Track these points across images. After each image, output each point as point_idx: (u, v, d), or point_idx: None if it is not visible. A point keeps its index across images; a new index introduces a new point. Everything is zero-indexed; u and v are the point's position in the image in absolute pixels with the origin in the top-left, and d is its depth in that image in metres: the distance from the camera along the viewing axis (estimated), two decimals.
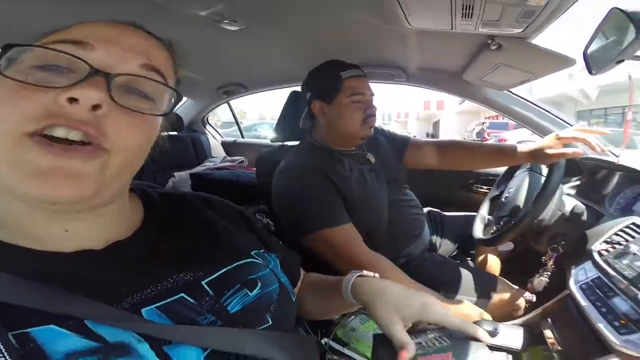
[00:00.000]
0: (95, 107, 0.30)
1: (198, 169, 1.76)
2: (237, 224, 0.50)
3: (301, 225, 0.89)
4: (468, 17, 0.69)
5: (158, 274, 0.36)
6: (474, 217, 1.17)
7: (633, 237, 0.75)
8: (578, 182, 1.22)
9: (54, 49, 0.31)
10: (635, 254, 0.70)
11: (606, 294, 0.72)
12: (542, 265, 0.98)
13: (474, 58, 1.00)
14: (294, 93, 1.29)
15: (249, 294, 0.41)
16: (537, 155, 0.98)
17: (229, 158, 2.02)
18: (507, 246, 1.43)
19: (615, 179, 1.08)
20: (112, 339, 0.29)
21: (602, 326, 0.66)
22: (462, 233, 1.26)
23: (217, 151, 2.31)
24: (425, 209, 1.32)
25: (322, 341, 0.75)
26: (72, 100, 0.29)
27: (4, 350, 0.24)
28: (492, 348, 0.79)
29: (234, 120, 2.48)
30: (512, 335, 0.83)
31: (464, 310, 0.82)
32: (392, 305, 0.45)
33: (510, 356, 0.78)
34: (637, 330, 0.61)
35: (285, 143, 1.34)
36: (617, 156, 1.12)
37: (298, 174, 0.94)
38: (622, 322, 0.65)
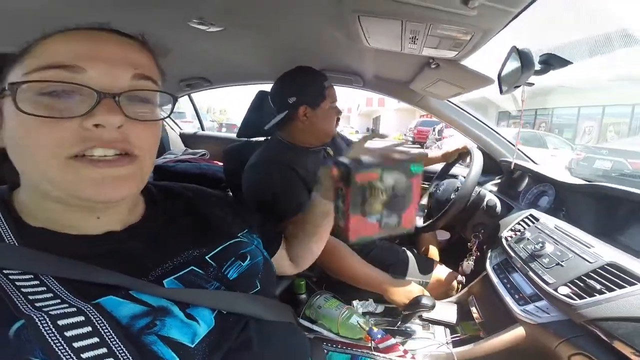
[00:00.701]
0: (119, 127, 0.37)
1: (158, 161, 1.71)
2: (223, 210, 0.58)
3: (273, 215, 0.98)
4: (414, 42, 0.82)
5: (170, 251, 0.45)
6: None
7: (529, 225, 0.96)
8: (499, 181, 1.46)
9: (56, 80, 0.35)
10: (528, 239, 0.89)
11: (510, 272, 0.91)
12: (469, 251, 1.19)
13: (418, 73, 1.15)
14: (261, 92, 1.35)
15: (242, 264, 0.50)
16: (445, 156, 1.41)
17: (190, 150, 2.00)
18: (444, 235, 1.65)
19: (527, 179, 1.32)
20: (155, 303, 0.37)
21: (508, 299, 0.83)
22: None
23: (176, 143, 2.27)
24: None
25: None
26: (99, 125, 0.36)
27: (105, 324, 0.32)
28: (433, 322, 0.96)
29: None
30: (448, 311, 1.00)
31: (408, 287, 0.96)
32: None
33: (448, 329, 0.95)
34: (530, 302, 0.79)
35: (251, 139, 1.40)
36: (536, 163, 1.38)
37: (270, 168, 1.02)
38: (520, 295, 0.84)
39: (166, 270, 0.42)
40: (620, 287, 0.63)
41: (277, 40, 1.08)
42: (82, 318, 0.32)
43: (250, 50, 1.19)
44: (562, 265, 0.76)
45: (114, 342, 0.32)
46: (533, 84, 0.84)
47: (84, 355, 0.30)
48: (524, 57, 0.76)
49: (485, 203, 1.20)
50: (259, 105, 1.35)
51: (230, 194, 1.35)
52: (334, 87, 1.11)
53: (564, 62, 0.76)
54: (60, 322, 0.31)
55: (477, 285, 1.04)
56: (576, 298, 0.68)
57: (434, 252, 1.42)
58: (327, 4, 0.72)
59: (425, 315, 0.94)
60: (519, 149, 1.42)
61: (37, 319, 0.30)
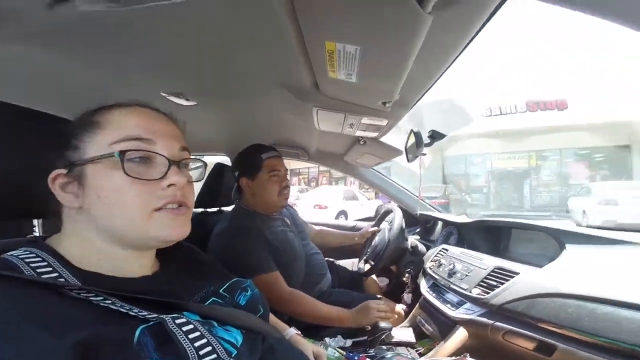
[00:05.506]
0: (184, 186, 0.49)
1: None
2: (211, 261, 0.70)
3: (242, 274, 1.08)
4: (351, 127, 1.18)
5: (193, 288, 0.55)
6: (357, 262, 1.65)
7: (443, 255, 1.29)
8: (418, 229, 1.85)
9: (148, 150, 0.47)
10: (443, 263, 1.21)
11: (439, 291, 1.20)
12: (405, 285, 1.46)
13: (351, 147, 1.53)
14: (218, 165, 1.53)
15: (247, 294, 0.61)
16: (362, 235, 1.72)
17: None
18: (384, 281, 1.90)
19: (439, 224, 1.73)
20: (201, 319, 0.46)
21: (445, 309, 1.09)
22: (350, 274, 1.68)
23: None
24: None
25: None
26: (171, 184, 0.47)
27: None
28: (396, 344, 1.13)
29: None
30: (406, 333, 1.18)
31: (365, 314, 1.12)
32: None
33: (409, 348, 1.11)
34: (460, 306, 1.05)
35: (207, 209, 1.53)
36: (440, 211, 1.81)
37: (240, 232, 1.15)
38: (452, 304, 1.10)
39: (196, 302, 0.52)
40: (506, 280, 0.94)
41: (241, 119, 1.29)
42: (185, 320, 0.42)
43: (217, 124, 1.36)
44: (469, 275, 1.07)
45: (208, 336, 0.42)
46: (425, 154, 1.26)
47: (196, 344, 0.40)
48: (417, 136, 1.17)
49: (409, 246, 1.53)
50: (217, 178, 1.51)
51: None
52: (279, 159, 1.27)
53: (442, 135, 1.19)
54: (177, 322, 0.41)
55: (419, 308, 1.28)
56: (484, 294, 0.96)
57: (377, 293, 1.65)
58: (295, 99, 0.99)
59: (388, 340, 1.11)
60: (428, 203, 1.86)
61: (166, 320, 0.40)
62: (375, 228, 1.71)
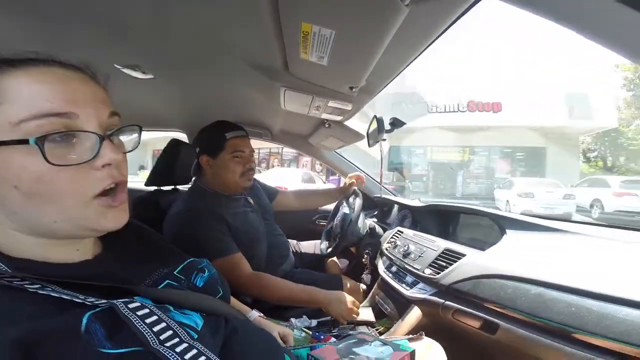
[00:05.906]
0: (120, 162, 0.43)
1: None
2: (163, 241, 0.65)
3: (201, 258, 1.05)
4: (317, 110, 1.16)
5: (144, 271, 0.50)
6: (318, 243, 1.68)
7: (398, 237, 1.37)
8: (376, 212, 1.92)
9: (71, 130, 0.39)
10: (398, 245, 1.28)
11: (395, 271, 1.27)
12: (364, 265, 1.52)
13: (315, 130, 1.52)
14: (174, 140, 1.44)
15: (204, 275, 0.58)
16: (342, 190, 1.67)
17: None
18: (344, 263, 1.97)
19: (394, 208, 1.81)
20: (155, 304, 0.43)
21: (401, 289, 1.14)
22: (312, 255, 1.71)
23: None
24: None
25: None
26: (107, 164, 0.41)
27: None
28: (358, 324, 1.18)
29: None
30: (366, 313, 1.22)
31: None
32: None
33: (369, 327, 1.17)
34: (414, 286, 1.10)
35: (161, 188, 1.44)
36: (395, 195, 1.89)
37: (198, 215, 1.08)
38: (406, 284, 1.17)
39: (148, 285, 0.48)
40: (454, 261, 1.02)
41: (202, 95, 1.22)
42: (139, 304, 0.39)
43: (177, 99, 1.26)
44: (422, 256, 1.15)
45: (166, 319, 0.40)
46: (385, 139, 1.30)
47: (155, 329, 0.37)
48: (379, 122, 1.20)
49: (368, 228, 1.60)
50: (172, 154, 1.42)
51: None
52: (245, 139, 1.21)
53: (402, 123, 1.23)
54: (130, 306, 0.38)
55: (377, 288, 1.35)
56: (435, 274, 1.04)
57: (337, 274, 1.71)
58: (263, 78, 0.95)
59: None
60: (387, 188, 1.94)
61: (117, 304, 0.37)
62: (355, 178, 1.67)
